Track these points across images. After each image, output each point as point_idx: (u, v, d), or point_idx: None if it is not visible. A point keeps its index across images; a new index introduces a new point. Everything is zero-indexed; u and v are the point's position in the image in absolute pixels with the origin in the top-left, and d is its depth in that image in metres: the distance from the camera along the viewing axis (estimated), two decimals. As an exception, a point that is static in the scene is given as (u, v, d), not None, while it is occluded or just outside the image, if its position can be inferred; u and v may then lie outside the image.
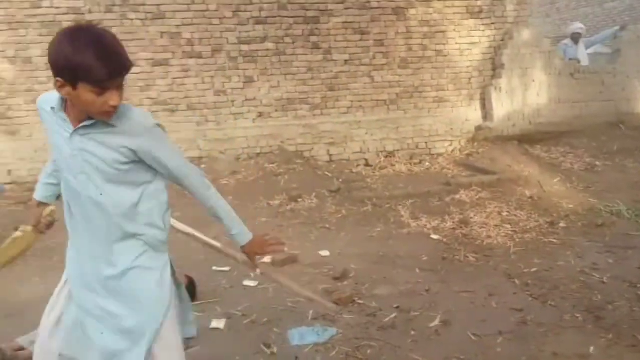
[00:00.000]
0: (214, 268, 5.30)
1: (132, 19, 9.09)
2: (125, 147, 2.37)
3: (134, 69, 7.75)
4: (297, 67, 9.69)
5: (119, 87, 2.31)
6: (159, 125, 2.47)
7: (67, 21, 8.80)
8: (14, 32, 8.70)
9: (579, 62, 11.48)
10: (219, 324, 4.21)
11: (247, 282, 4.99)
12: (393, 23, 10.05)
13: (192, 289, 4.54)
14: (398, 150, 9.96)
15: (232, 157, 9.43)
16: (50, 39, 7.11)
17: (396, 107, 10.14)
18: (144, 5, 9.11)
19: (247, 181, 8.58)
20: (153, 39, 9.21)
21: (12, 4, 8.64)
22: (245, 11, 9.43)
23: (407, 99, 10.19)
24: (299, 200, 7.63)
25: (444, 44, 10.34)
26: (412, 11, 10.13)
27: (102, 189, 2.40)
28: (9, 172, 9.01)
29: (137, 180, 2.47)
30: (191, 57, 9.35)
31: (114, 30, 8.53)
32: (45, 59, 7.35)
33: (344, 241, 6.14)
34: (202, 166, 9.16)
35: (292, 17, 9.62)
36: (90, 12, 8.88)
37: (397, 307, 4.48)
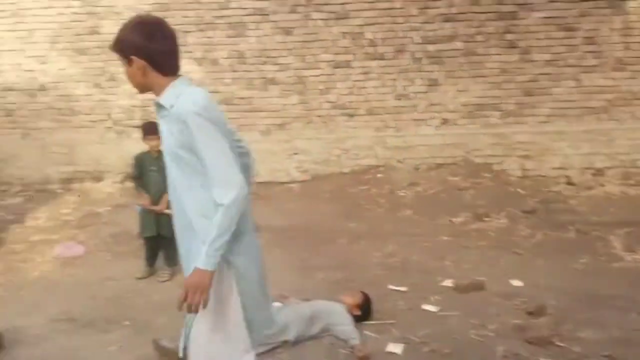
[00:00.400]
0: (390, 287, 5.25)
1: (315, 19, 9.47)
2: (175, 132, 2.57)
3: (315, 71, 8.10)
4: (489, 68, 9.32)
5: (124, 66, 2.76)
6: (199, 114, 2.53)
7: (252, 22, 9.47)
8: (203, 34, 9.57)
9: None
10: (395, 348, 4.13)
11: (426, 306, 4.85)
12: (607, 17, 9.21)
13: (367, 307, 4.54)
14: (609, 168, 9.08)
15: (411, 167, 9.35)
16: (235, 40, 7.73)
17: (608, 116, 9.26)
18: (328, 4, 9.44)
19: (427, 194, 8.44)
20: (335, 39, 9.49)
21: (202, 5, 9.51)
22: (433, 8, 9.32)
23: (623, 106, 9.25)
24: (486, 219, 7.30)
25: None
26: (633, 3, 9.19)
27: (170, 174, 2.71)
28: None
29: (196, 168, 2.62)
30: (373, 59, 9.46)
31: (296, 31, 9.01)
32: (231, 61, 7.98)
33: (541, 271, 5.71)
34: (379, 175, 9.23)
35: (484, 12, 9.28)
36: (274, 12, 9.45)
37: (608, 356, 4.03)
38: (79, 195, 9.20)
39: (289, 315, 4.00)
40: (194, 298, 2.60)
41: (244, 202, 2.64)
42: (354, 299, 4.43)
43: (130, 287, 5.47)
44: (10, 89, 9.91)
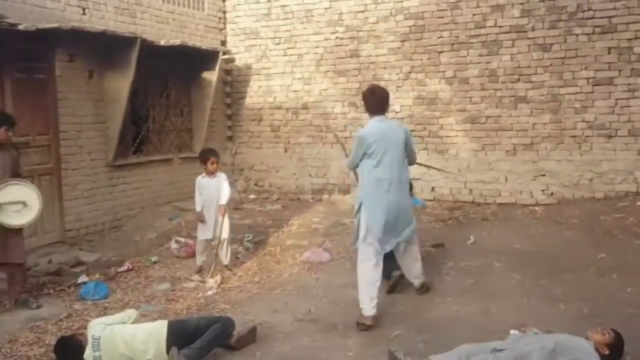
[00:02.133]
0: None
1: (577, 34, 8.85)
2: None
3: (572, 89, 7.64)
4: None
5: None
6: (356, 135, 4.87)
7: (507, 40, 9.20)
8: (455, 53, 9.57)
9: None
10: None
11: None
12: None
13: (619, 347, 4.02)
14: None
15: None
16: (488, 59, 7.74)
17: None
18: (592, 18, 8.76)
19: None
20: (598, 55, 8.76)
21: (458, 26, 9.52)
22: None
23: None
24: None
25: None
26: None
27: None
28: (432, 189, 9.95)
29: None
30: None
31: (554, 47, 8.52)
32: (482, 79, 8.01)
33: None
34: (638, 203, 8.24)
35: None
36: (533, 29, 9.05)
37: None
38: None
39: (531, 345, 3.75)
40: None
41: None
42: (604, 337, 3.97)
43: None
44: (279, 107, 11.05)
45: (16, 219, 5.41)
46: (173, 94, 10.03)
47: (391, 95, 9.87)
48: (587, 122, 8.93)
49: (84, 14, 8.12)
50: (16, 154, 5.72)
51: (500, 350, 3.78)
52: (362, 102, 5.39)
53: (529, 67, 9.16)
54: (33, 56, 7.39)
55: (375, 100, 5.21)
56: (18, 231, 5.53)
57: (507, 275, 6.11)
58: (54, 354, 4.30)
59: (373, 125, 5.16)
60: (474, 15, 9.42)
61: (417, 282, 5.59)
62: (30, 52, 7.33)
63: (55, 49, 7.63)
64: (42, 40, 7.28)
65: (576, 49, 8.87)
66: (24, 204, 5.44)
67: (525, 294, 5.53)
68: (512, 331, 4.37)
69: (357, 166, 5.18)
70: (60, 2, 7.74)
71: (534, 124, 9.21)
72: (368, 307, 4.88)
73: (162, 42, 8.78)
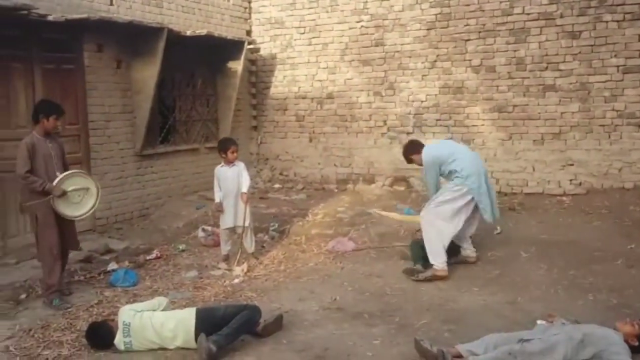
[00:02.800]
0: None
1: (606, 21, 8.67)
2: None
3: (601, 77, 7.63)
4: None
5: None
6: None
7: (535, 27, 9.06)
8: (482, 41, 9.46)
9: None
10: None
11: None
12: None
13: None
14: None
15: None
16: (516, 47, 7.72)
17: None
18: (622, 5, 8.57)
19: None
20: (628, 42, 8.59)
21: (484, 13, 9.40)
22: None
23: None
24: None
25: None
26: None
27: None
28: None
29: None
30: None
31: (584, 35, 8.40)
32: (509, 67, 8.02)
33: None
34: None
35: None
36: (561, 16, 8.90)
37: None
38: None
39: (558, 335, 3.73)
40: None
41: None
42: (633, 328, 3.92)
43: (395, 285, 5.66)
44: (303, 97, 11.05)
45: (75, 210, 5.45)
46: (199, 84, 10.10)
47: (416, 84, 9.91)
48: (617, 110, 8.77)
49: (111, 4, 8.20)
50: (63, 142, 5.74)
51: (528, 340, 3.76)
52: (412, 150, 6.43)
53: (557, 55, 9.01)
54: (62, 47, 7.49)
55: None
56: (72, 222, 5.61)
57: (535, 265, 6.07)
58: (86, 339, 4.40)
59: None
60: (501, 2, 9.29)
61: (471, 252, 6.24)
62: (60, 43, 7.43)
63: (84, 39, 7.73)
64: (71, 30, 7.39)
65: (606, 37, 8.70)
66: (85, 194, 5.48)
67: (553, 284, 5.48)
68: (539, 321, 4.35)
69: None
70: (88, -7, 7.84)
71: (562, 112, 9.07)
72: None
73: (189, 33, 8.83)
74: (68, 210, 5.41)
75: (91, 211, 5.65)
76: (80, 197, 5.47)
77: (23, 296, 5.60)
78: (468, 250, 6.25)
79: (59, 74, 7.48)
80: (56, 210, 5.31)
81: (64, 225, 5.47)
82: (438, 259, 5.77)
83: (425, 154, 6.13)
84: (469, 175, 5.88)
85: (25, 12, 6.42)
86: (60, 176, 5.31)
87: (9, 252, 6.69)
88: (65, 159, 5.68)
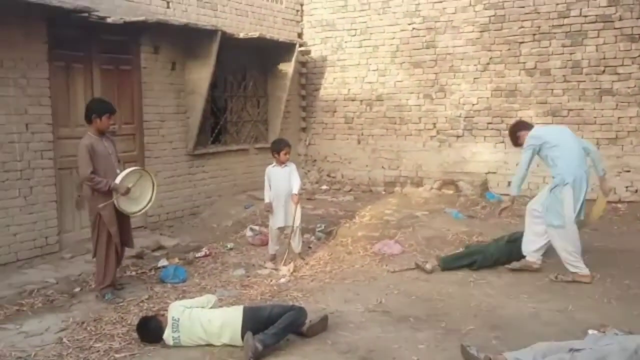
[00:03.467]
0: None
1: (669, 23, 8.37)
2: None
3: None
4: None
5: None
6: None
7: (592, 30, 8.81)
8: (537, 44, 9.25)
9: None
10: None
11: None
12: None
13: None
14: None
15: None
16: (572, 49, 7.58)
17: None
18: (687, 6, 8.26)
19: None
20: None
21: (540, 15, 9.19)
22: None
23: None
24: None
25: None
26: None
27: None
28: (509, 183, 9.63)
29: None
30: None
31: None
32: (564, 71, 7.86)
33: None
34: None
35: None
36: (620, 18, 8.62)
37: None
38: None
39: (611, 345, 3.60)
40: None
41: None
42: (689, 338, 3.75)
43: (442, 290, 5.58)
44: (353, 99, 11.05)
45: (134, 205, 5.56)
46: (250, 85, 10.22)
47: (467, 87, 9.77)
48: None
49: (168, 7, 8.39)
50: (115, 139, 5.84)
51: (578, 350, 3.65)
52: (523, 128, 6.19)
53: (615, 58, 8.74)
54: (120, 48, 7.70)
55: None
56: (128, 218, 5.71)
57: (587, 274, 5.89)
58: (136, 333, 4.50)
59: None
60: (557, 4, 9.07)
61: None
62: (118, 44, 7.64)
63: (141, 41, 7.92)
64: (129, 32, 7.59)
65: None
66: (144, 189, 5.62)
67: (606, 293, 5.31)
68: (590, 331, 4.22)
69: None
70: (145, -4, 8.05)
71: (619, 117, 8.78)
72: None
73: (242, 35, 8.95)
74: (128, 206, 5.52)
75: (149, 205, 5.72)
76: (139, 192, 5.57)
77: (77, 289, 5.78)
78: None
79: (117, 74, 7.69)
80: (118, 208, 5.41)
81: (122, 222, 5.57)
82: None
83: (531, 131, 6.03)
84: (563, 168, 5.76)
85: (86, 14, 6.63)
86: (122, 174, 5.39)
87: (65, 246, 6.92)
88: (119, 156, 5.80)
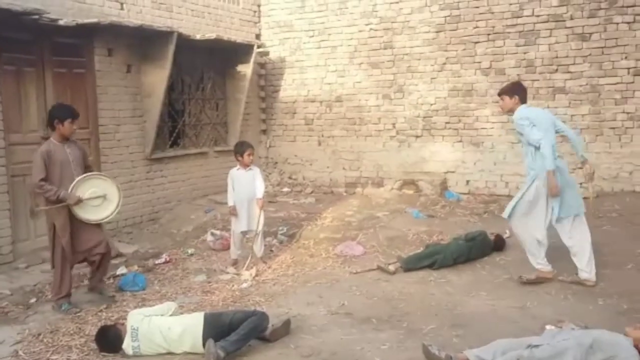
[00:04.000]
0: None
1: (617, 23, 8.62)
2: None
3: (611, 79, 7.63)
4: None
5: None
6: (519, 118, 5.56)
7: (545, 29, 9.02)
8: (492, 44, 9.42)
9: None
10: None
11: None
12: None
13: None
14: None
15: None
16: (525, 49, 7.78)
17: None
18: (633, 6, 8.52)
19: None
20: (639, 44, 8.53)
21: (494, 15, 9.36)
22: None
23: None
24: None
25: None
26: None
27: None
28: (467, 182, 9.84)
29: None
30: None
31: (594, 37, 8.33)
32: (518, 70, 8.04)
33: None
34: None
35: None
36: (571, 18, 8.85)
37: None
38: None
39: (568, 341, 3.69)
40: None
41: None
42: (642, 333, 3.87)
43: (403, 290, 5.63)
44: (312, 100, 11.06)
45: (95, 213, 5.38)
46: (208, 88, 10.13)
47: (425, 87, 9.89)
48: (628, 113, 8.71)
49: (122, 9, 8.24)
50: (83, 146, 5.67)
51: (536, 346, 3.73)
52: (511, 92, 5.68)
53: (567, 57, 8.97)
54: (73, 51, 7.54)
55: (525, 90, 5.80)
56: (98, 224, 5.52)
57: (544, 269, 6.01)
58: (95, 343, 4.41)
59: (526, 109, 5.64)
60: (510, 4, 9.25)
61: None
62: (70, 47, 7.48)
63: (94, 43, 7.77)
64: (82, 35, 7.43)
65: (616, 38, 8.65)
66: (104, 197, 5.40)
67: (562, 289, 5.44)
68: (548, 327, 4.32)
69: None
70: (98, -2, 7.89)
71: (572, 115, 9.02)
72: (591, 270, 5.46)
73: (198, 36, 8.86)
74: (88, 214, 5.35)
75: (113, 214, 5.55)
76: (100, 201, 5.40)
77: (33, 300, 5.64)
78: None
79: (70, 78, 7.52)
80: (76, 216, 5.26)
81: (82, 231, 5.38)
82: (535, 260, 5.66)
83: (520, 112, 5.59)
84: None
85: (37, 16, 6.47)
86: (74, 182, 5.22)
87: (19, 256, 6.73)
88: (88, 162, 5.65)
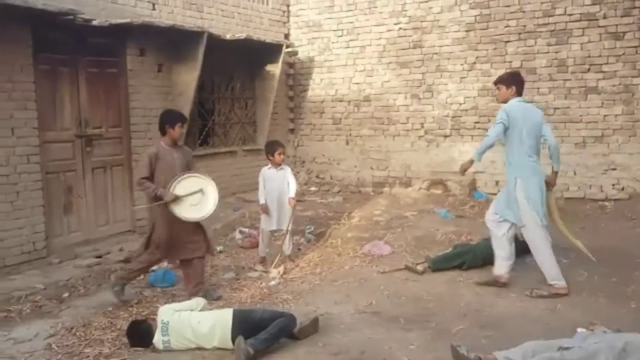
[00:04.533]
0: None
1: (653, 22, 8.47)
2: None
3: None
4: None
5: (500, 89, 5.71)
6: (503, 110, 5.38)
7: (577, 28, 8.89)
8: (523, 43, 9.32)
9: None
10: None
11: None
12: None
13: None
14: None
15: None
16: (557, 48, 7.57)
17: None
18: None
19: None
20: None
21: (525, 14, 9.26)
22: None
23: None
24: None
25: None
26: None
27: None
28: (497, 182, 9.74)
29: None
30: None
31: (628, 36, 8.21)
32: (550, 69, 7.84)
33: None
34: None
35: None
36: (605, 17, 8.70)
37: None
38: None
39: (599, 344, 3.64)
40: None
41: None
42: (677, 337, 3.79)
43: (431, 290, 5.61)
44: (340, 100, 11.07)
45: (193, 212, 5.37)
46: (238, 87, 10.21)
47: (454, 87, 9.84)
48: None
49: (153, 9, 8.35)
50: (190, 152, 5.74)
51: (567, 348, 3.68)
52: (508, 82, 5.50)
53: (600, 56, 8.82)
54: (106, 51, 7.66)
55: (522, 83, 5.56)
56: (198, 224, 5.54)
57: (575, 272, 5.93)
58: (126, 338, 4.48)
59: (517, 103, 5.43)
60: (542, 3, 9.14)
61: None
62: (103, 47, 7.60)
63: (127, 43, 7.88)
64: (115, 35, 7.55)
65: (651, 38, 8.50)
66: (202, 194, 5.38)
67: (594, 291, 5.36)
68: (579, 329, 4.25)
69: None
70: (131, -2, 8.01)
71: (605, 115, 8.87)
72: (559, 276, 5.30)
73: (228, 36, 8.94)
74: (186, 212, 5.36)
75: (210, 213, 5.49)
76: (198, 199, 5.39)
77: (65, 295, 5.75)
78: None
79: (103, 77, 7.65)
80: (174, 214, 5.29)
81: (187, 232, 5.45)
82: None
83: (509, 104, 5.43)
84: (514, 157, 5.42)
85: (71, 17, 6.59)
86: (173, 180, 5.26)
87: (53, 251, 6.87)
88: (193, 167, 5.68)
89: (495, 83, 5.69)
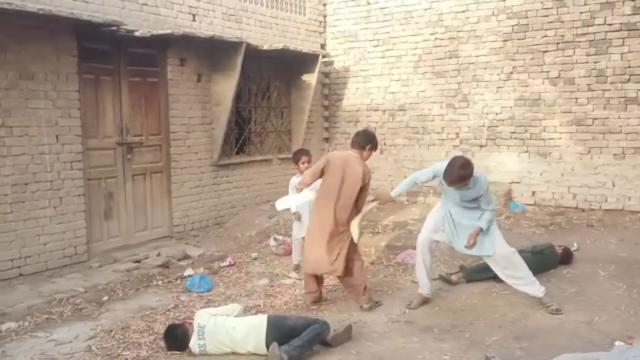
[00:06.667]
0: None
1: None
2: None
3: None
4: None
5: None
6: None
7: (617, 38, 8.72)
8: (561, 53, 9.18)
9: None
10: None
11: None
12: None
13: None
14: None
15: None
16: (596, 58, 7.42)
17: None
18: None
19: None
20: None
21: (564, 24, 9.13)
22: None
23: None
24: None
25: None
26: None
27: None
28: (533, 193, 9.60)
29: None
30: None
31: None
32: (588, 80, 7.67)
33: None
34: None
35: None
36: (646, 26, 8.54)
37: None
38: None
39: (637, 358, 3.55)
40: None
41: None
42: None
43: (465, 301, 5.56)
44: (375, 109, 11.07)
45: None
46: (274, 96, 10.31)
47: (490, 96, 9.73)
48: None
49: (194, 20, 8.51)
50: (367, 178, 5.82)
51: (605, 362, 3.61)
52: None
53: (641, 67, 8.65)
54: (147, 61, 7.84)
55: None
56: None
57: (613, 284, 5.82)
58: (163, 341, 4.56)
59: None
60: (581, 13, 8.99)
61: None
62: (145, 57, 7.78)
63: (168, 53, 8.06)
64: (156, 45, 7.73)
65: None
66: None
67: (632, 304, 5.24)
68: (617, 343, 4.17)
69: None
70: (172, 9, 8.17)
71: (645, 127, 8.68)
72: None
73: (266, 47, 9.04)
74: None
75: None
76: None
77: (105, 298, 5.88)
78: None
79: (144, 86, 7.83)
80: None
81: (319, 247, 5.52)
82: None
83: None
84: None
85: (115, 27, 6.78)
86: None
87: (93, 255, 7.04)
88: (361, 196, 5.91)
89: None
